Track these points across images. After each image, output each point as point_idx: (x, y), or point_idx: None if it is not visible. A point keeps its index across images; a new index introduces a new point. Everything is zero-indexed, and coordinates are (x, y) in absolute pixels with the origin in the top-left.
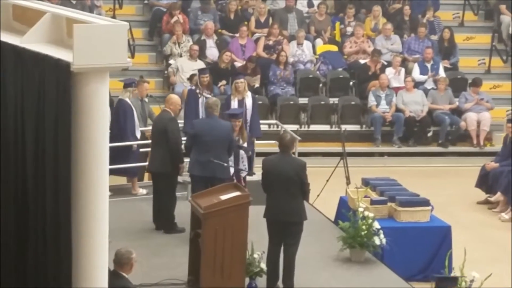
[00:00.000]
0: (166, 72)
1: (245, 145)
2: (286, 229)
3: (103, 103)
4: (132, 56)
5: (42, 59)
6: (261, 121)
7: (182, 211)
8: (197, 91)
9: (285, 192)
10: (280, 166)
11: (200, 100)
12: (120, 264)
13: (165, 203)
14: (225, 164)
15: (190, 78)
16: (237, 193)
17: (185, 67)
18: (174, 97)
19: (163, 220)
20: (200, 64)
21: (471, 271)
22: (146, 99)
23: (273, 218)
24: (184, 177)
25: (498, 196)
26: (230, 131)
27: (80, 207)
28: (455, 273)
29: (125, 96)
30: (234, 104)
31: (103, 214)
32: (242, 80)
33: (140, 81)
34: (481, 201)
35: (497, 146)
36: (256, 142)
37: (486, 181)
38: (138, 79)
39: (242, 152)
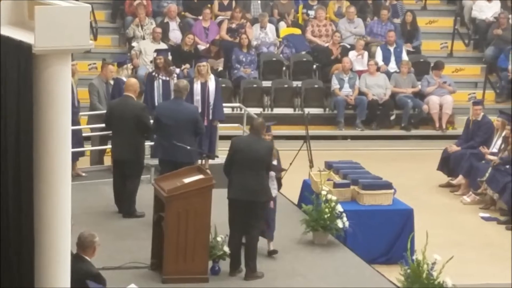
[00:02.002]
0: (129, 54)
1: (275, 162)
2: (250, 210)
3: (65, 85)
4: (95, 39)
5: (3, 41)
6: (225, 104)
7: (145, 194)
8: (153, 73)
9: (253, 173)
10: (250, 147)
11: (156, 83)
12: (83, 247)
13: (130, 189)
14: (188, 147)
15: (152, 61)
16: (200, 176)
17: (148, 50)
18: (133, 81)
19: (125, 205)
20: (163, 47)
21: (433, 254)
22: (111, 82)
23: (239, 197)
24: (147, 160)
25: (460, 179)
26: (195, 113)
27: (42, 190)
28: (417, 256)
29: (122, 74)
30: (197, 87)
31: (66, 198)
32: (205, 63)
33: (105, 63)
34: (443, 184)
35: (459, 129)
36: (219, 125)
37: (448, 164)
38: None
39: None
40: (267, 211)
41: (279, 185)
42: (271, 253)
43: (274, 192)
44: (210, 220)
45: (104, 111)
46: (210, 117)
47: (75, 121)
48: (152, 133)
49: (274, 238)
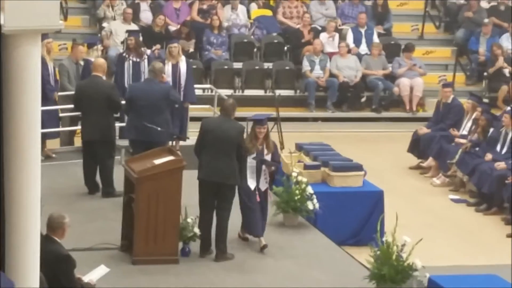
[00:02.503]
0: (99, 35)
1: (269, 157)
2: (219, 192)
3: (35, 66)
4: (65, 19)
5: None
6: (195, 86)
7: (116, 176)
8: (124, 54)
9: (223, 154)
10: (221, 128)
11: (126, 64)
12: (53, 228)
13: (106, 170)
14: (159, 129)
15: (124, 42)
16: (171, 158)
17: (119, 30)
18: (101, 61)
19: (103, 186)
20: (134, 28)
21: (403, 235)
22: (81, 62)
23: (209, 179)
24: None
25: (430, 161)
26: (167, 93)
27: (12, 171)
28: (387, 237)
29: (92, 55)
30: (168, 68)
31: (35, 178)
32: (176, 44)
33: (75, 44)
34: (413, 166)
35: (429, 112)
36: (190, 106)
37: (418, 146)
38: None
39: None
40: (265, 205)
41: (272, 179)
42: (264, 248)
43: (265, 185)
44: (180, 201)
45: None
46: (181, 99)
47: (52, 99)
48: (123, 114)
49: (239, 219)
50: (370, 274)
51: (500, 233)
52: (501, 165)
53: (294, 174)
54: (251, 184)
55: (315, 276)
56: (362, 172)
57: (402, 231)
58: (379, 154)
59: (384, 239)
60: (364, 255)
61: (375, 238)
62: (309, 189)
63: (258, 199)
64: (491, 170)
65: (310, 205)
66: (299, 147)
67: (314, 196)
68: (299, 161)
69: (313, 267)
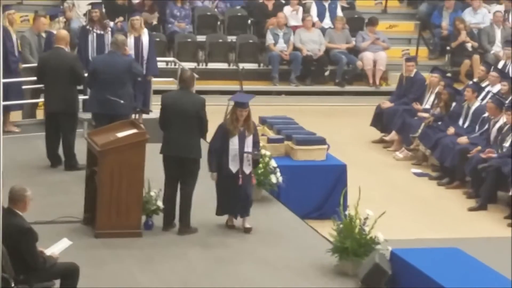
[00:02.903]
0: (61, 7)
1: (250, 139)
2: (182, 166)
3: None
4: None
5: None
6: (158, 59)
7: (78, 149)
8: (87, 27)
9: (184, 128)
10: (180, 101)
11: (90, 37)
12: (14, 201)
13: (68, 143)
14: (122, 101)
15: (86, 14)
16: (134, 131)
17: (81, 2)
18: (64, 33)
19: (66, 159)
20: (97, 0)
21: (366, 209)
22: (44, 34)
23: (170, 153)
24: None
25: (393, 135)
26: (129, 66)
27: None
28: (350, 211)
29: (54, 28)
30: (130, 41)
31: None
32: (138, 17)
33: (37, 16)
34: (376, 140)
35: (393, 86)
36: (153, 79)
37: (381, 120)
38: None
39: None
40: (249, 188)
41: (255, 163)
42: (247, 230)
43: (248, 168)
44: (143, 174)
45: (36, 64)
46: (144, 72)
47: (16, 70)
48: (86, 86)
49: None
50: (333, 247)
51: (462, 207)
52: (463, 139)
53: None
54: (233, 167)
55: (278, 250)
56: (325, 146)
57: (365, 205)
58: (342, 128)
59: (347, 212)
60: (327, 229)
61: (338, 211)
62: (273, 163)
63: (240, 182)
64: (453, 144)
65: (273, 179)
66: (263, 121)
67: (278, 170)
68: (262, 135)
69: (276, 241)
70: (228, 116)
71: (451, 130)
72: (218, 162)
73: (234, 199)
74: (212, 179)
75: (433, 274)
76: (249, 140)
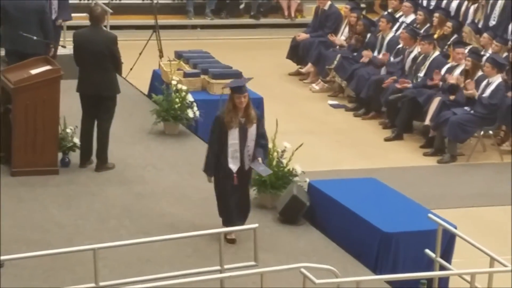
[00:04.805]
0: None
1: (253, 130)
2: (99, 104)
3: None
4: None
5: None
6: None
7: None
8: None
9: (97, 66)
10: (91, 39)
11: None
12: None
13: None
14: (35, 38)
15: None
16: (48, 67)
17: None
18: None
19: None
20: None
21: (283, 141)
22: None
23: (86, 92)
24: None
25: (309, 67)
26: (42, 6)
27: None
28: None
29: None
30: None
31: None
32: None
33: None
34: (292, 73)
35: (308, 18)
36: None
37: (297, 53)
38: None
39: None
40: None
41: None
42: (231, 242)
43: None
44: (59, 111)
45: None
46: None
47: None
48: None
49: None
50: (251, 180)
51: (378, 137)
52: (367, 53)
53: (173, 82)
54: (234, 165)
55: (196, 184)
56: (242, 79)
57: (282, 137)
58: (258, 61)
59: None
60: None
61: None
62: (189, 97)
63: (235, 182)
64: (369, 75)
65: (190, 113)
66: (178, 55)
67: (195, 104)
68: (178, 69)
69: (194, 175)
70: (225, 106)
71: (366, 54)
72: (216, 162)
73: (234, 203)
74: (209, 182)
75: (351, 205)
76: (251, 132)
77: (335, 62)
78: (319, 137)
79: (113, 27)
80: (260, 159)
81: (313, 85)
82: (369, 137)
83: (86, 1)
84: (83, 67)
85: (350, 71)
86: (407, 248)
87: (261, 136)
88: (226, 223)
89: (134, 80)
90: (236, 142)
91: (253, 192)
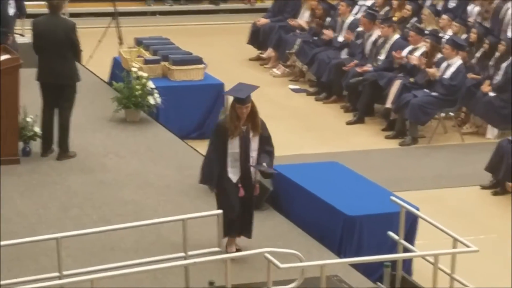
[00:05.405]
0: None
1: (256, 140)
2: (59, 92)
3: None
4: None
5: None
6: None
7: None
8: None
9: (57, 54)
10: (50, 27)
11: None
12: None
13: None
14: None
15: None
16: (7, 56)
17: None
18: None
19: None
20: None
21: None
22: None
23: (46, 80)
24: None
25: (270, 52)
26: None
27: None
28: None
29: None
30: None
31: None
32: None
33: None
34: (253, 58)
35: (268, 3)
36: (26, 3)
37: (257, 38)
38: None
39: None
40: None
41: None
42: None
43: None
44: (19, 100)
45: None
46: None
47: None
48: None
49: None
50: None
51: (340, 121)
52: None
53: (134, 69)
54: (233, 175)
55: (159, 171)
56: (203, 65)
57: None
58: (219, 47)
59: None
60: None
61: None
62: (150, 84)
63: (241, 193)
64: (330, 59)
65: (151, 100)
66: (138, 42)
67: (156, 91)
68: (138, 56)
69: (157, 162)
70: (228, 113)
71: (327, 32)
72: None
73: (237, 216)
74: (211, 192)
75: (314, 189)
76: (255, 142)
77: (296, 47)
78: (280, 122)
79: (72, 15)
80: (264, 164)
81: (274, 69)
82: (330, 121)
83: None
84: (42, 56)
85: (310, 56)
86: (370, 231)
87: (266, 142)
88: (230, 233)
89: (94, 67)
90: (236, 152)
91: None
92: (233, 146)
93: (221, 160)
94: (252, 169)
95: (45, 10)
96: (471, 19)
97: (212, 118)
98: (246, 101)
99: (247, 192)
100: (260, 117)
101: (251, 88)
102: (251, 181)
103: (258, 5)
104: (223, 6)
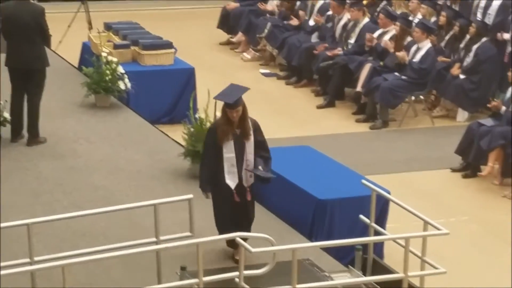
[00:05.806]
0: None
1: (250, 143)
2: (28, 77)
3: None
4: None
5: None
6: None
7: None
8: None
9: (25, 39)
10: (18, 12)
11: None
12: None
13: None
14: None
15: None
16: None
17: None
18: None
19: None
20: None
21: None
22: None
23: (14, 65)
24: None
25: (240, 36)
26: None
27: None
28: (200, 114)
29: None
30: None
31: None
32: None
33: None
34: (223, 42)
35: None
36: None
37: (227, 22)
38: None
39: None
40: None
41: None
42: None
43: (250, 180)
44: None
45: None
46: None
47: None
48: None
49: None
50: (185, 151)
51: (311, 105)
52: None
53: (104, 54)
54: (231, 181)
55: (130, 156)
56: (173, 50)
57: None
58: (189, 31)
59: (197, 116)
60: (179, 133)
61: (189, 115)
62: (120, 69)
63: (237, 199)
64: (300, 43)
65: (121, 85)
66: (108, 27)
67: (126, 76)
68: (108, 41)
69: (128, 147)
70: (219, 118)
71: (294, 22)
72: (212, 177)
73: (234, 222)
74: (206, 198)
75: (285, 173)
76: (249, 145)
77: (266, 31)
78: (251, 106)
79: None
80: (260, 167)
81: (244, 54)
82: (301, 105)
83: None
84: (11, 41)
85: (281, 40)
86: (342, 214)
87: (261, 146)
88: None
89: (64, 52)
90: (232, 156)
91: (187, 162)
92: (228, 151)
93: (217, 166)
94: (244, 173)
95: None
96: (440, 2)
97: (182, 102)
98: (235, 105)
99: (243, 198)
100: (255, 119)
101: (240, 90)
102: (244, 185)
103: None
104: None
